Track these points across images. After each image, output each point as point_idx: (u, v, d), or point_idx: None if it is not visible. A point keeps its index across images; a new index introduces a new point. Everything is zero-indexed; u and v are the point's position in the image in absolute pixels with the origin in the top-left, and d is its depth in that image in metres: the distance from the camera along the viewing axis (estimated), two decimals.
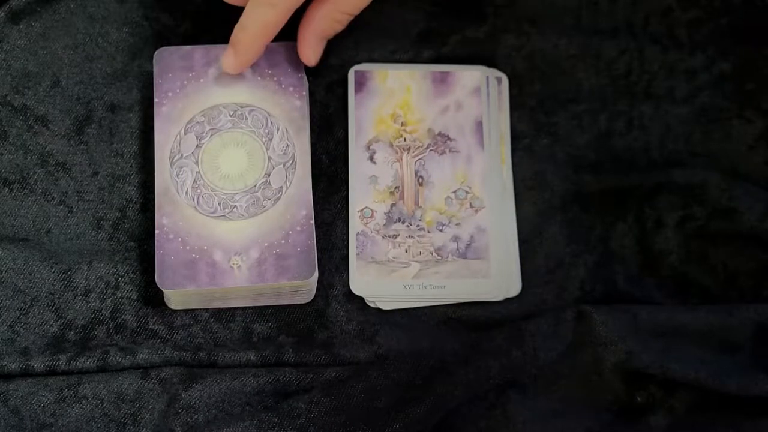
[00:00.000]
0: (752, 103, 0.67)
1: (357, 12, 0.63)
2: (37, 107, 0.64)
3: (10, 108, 0.63)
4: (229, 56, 0.62)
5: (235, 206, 0.61)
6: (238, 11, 0.66)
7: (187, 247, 0.60)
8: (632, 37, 0.68)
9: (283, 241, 0.60)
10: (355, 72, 0.66)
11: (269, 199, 0.61)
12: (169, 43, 0.65)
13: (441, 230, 0.63)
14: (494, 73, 0.66)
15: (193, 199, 0.61)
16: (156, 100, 0.63)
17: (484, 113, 0.65)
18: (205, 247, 0.60)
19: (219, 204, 0.61)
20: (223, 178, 0.62)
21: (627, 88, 0.67)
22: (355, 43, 0.66)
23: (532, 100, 0.67)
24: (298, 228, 0.61)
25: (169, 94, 0.63)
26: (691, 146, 0.67)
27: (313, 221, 0.61)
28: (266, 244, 0.60)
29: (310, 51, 0.63)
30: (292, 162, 0.62)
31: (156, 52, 0.63)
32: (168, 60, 0.63)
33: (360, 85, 0.65)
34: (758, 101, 0.67)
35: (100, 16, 0.65)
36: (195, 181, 0.61)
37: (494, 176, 0.65)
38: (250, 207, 0.61)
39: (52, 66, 0.64)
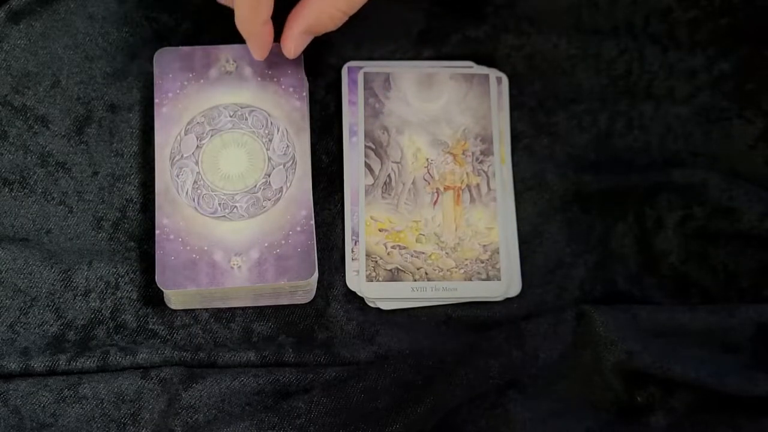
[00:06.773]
0: (752, 103, 0.67)
1: (353, 11, 0.61)
2: (37, 107, 0.64)
3: (10, 108, 0.63)
4: (251, 48, 0.61)
5: (236, 206, 0.61)
6: None
7: (188, 248, 0.60)
8: (632, 37, 0.68)
9: (283, 242, 0.60)
10: (349, 68, 0.66)
11: (269, 200, 0.61)
12: (169, 43, 0.65)
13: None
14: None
15: (194, 200, 0.61)
16: (156, 100, 0.63)
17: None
18: (206, 248, 0.60)
19: (219, 204, 0.61)
20: (224, 179, 0.62)
21: (627, 88, 0.67)
22: (355, 43, 0.66)
23: (532, 100, 0.67)
24: (298, 228, 0.61)
25: (170, 94, 0.63)
26: (691, 146, 0.67)
27: (313, 221, 0.61)
28: (266, 245, 0.60)
29: (292, 44, 0.61)
30: (292, 162, 0.62)
31: (156, 52, 0.63)
32: (168, 60, 0.63)
33: (354, 83, 0.65)
34: (758, 101, 0.67)
35: (100, 16, 0.65)
36: (195, 182, 0.61)
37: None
38: (250, 207, 0.61)
39: (52, 66, 0.64)
